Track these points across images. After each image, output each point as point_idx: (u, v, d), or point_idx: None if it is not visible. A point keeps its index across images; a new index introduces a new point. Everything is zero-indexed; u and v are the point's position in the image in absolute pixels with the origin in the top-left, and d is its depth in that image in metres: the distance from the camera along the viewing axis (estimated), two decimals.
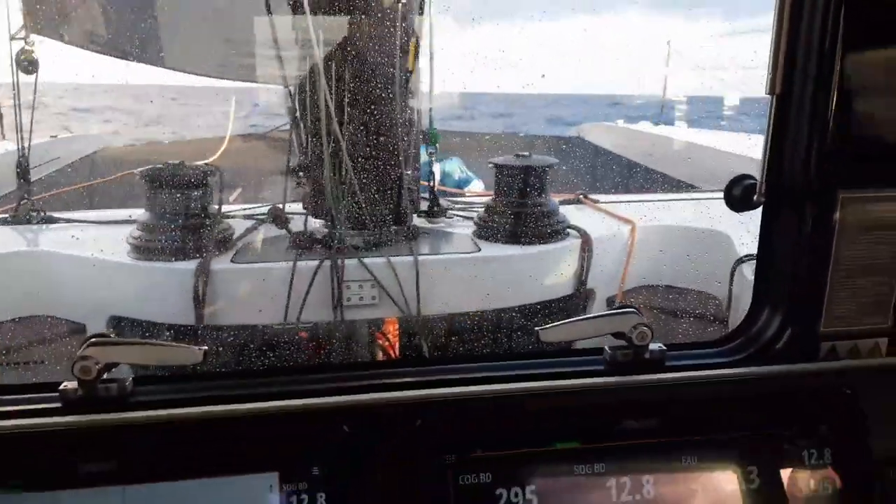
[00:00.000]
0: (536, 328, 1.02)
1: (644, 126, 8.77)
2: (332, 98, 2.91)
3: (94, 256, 3.00)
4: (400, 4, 3.01)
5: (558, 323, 1.04)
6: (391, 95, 3.02)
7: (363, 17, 3.00)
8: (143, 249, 2.86)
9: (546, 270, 3.09)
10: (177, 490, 0.83)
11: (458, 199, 4.05)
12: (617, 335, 1.05)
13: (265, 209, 3.43)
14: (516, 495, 0.89)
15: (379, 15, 3.03)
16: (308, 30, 3.02)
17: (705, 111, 8.97)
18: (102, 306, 2.98)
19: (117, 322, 3.00)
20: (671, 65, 8.86)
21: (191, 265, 2.78)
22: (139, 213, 3.05)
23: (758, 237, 1.11)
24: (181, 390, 0.97)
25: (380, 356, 3.02)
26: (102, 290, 2.97)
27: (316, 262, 2.80)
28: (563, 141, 9.47)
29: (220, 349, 2.62)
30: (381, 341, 3.01)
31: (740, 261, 2.83)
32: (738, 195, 1.08)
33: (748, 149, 6.12)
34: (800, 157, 1.03)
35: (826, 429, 0.95)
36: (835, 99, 0.99)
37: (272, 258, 2.91)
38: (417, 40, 3.15)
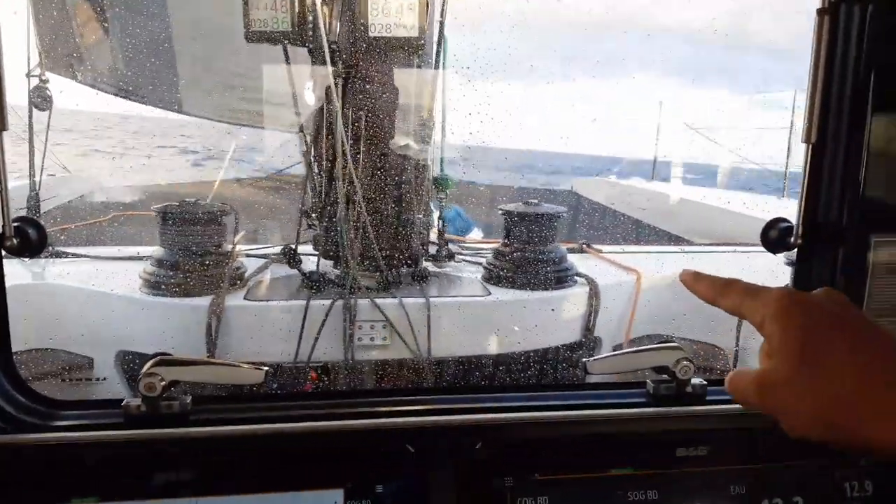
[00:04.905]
0: (583, 360, 1.05)
1: (636, 182, 8.96)
2: (348, 143, 2.98)
3: (102, 290, 3.02)
4: (417, 57, 3.13)
5: (604, 355, 1.08)
6: (406, 141, 3.10)
7: (381, 66, 3.10)
8: (157, 285, 2.88)
9: (555, 316, 3.13)
10: (247, 503, 0.84)
11: (463, 244, 4.10)
12: (659, 369, 1.09)
13: (272, 250, 3.48)
14: None
15: (396, 64, 3.14)
16: (326, 77, 3.11)
17: (698, 171, 9.18)
18: (111, 341, 2.98)
19: (125, 357, 2.99)
20: (663, 124, 9.11)
21: (204, 301, 2.80)
22: (151, 250, 3.08)
23: (792, 278, 1.16)
24: (241, 410, 0.99)
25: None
26: (111, 325, 2.98)
27: (328, 302, 2.83)
28: (556, 194, 9.63)
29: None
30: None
31: None
32: (774, 237, 1.14)
33: (739, 207, 6.28)
34: (834, 202, 1.09)
35: (867, 462, 0.98)
36: (867, 148, 1.06)
37: (285, 297, 2.93)
38: (433, 90, 3.25)
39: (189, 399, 0.98)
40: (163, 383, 0.95)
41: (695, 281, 0.73)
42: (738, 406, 1.12)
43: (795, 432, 0.60)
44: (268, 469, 0.87)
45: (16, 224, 0.97)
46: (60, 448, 0.89)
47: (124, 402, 0.96)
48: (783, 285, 0.63)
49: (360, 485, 0.86)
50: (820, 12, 1.05)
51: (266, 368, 0.97)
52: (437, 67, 3.34)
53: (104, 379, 2.98)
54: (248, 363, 0.99)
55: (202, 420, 0.96)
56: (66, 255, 3.60)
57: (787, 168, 7.17)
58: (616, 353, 1.08)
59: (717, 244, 4.72)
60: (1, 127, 0.93)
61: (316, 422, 0.92)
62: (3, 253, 0.98)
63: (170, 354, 0.99)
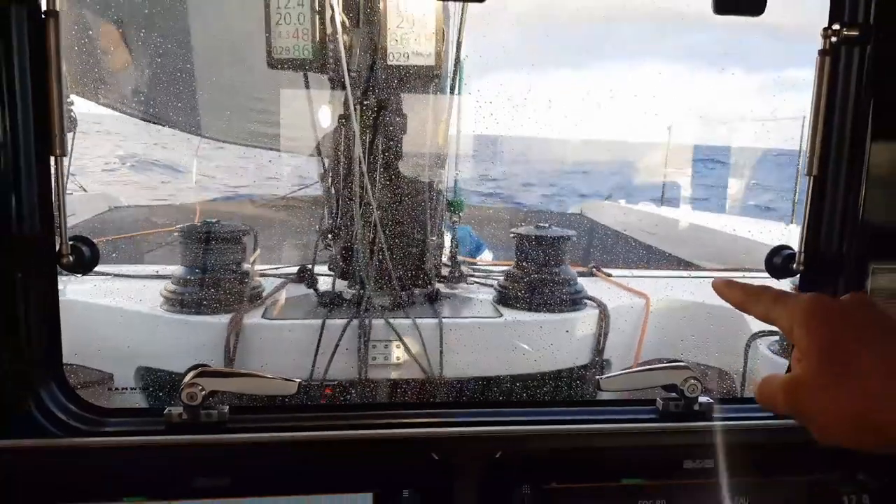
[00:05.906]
0: (596, 377, 1.11)
1: (645, 206, 9.02)
2: (366, 167, 3.07)
3: (123, 307, 3.10)
4: (434, 83, 3.23)
5: (616, 373, 1.14)
6: (421, 165, 3.20)
7: (398, 93, 3.20)
8: (179, 302, 2.96)
9: (565, 339, 3.18)
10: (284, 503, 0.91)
11: (475, 266, 4.17)
12: (668, 387, 1.15)
13: (287, 270, 3.56)
14: None
15: (412, 91, 3.24)
16: (344, 103, 3.21)
17: (707, 193, 9.25)
18: (130, 357, 3.05)
19: (144, 373, 3.06)
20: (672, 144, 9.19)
21: (223, 319, 2.87)
22: (172, 269, 3.16)
23: None
24: (274, 419, 1.06)
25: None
26: (131, 341, 3.05)
27: (344, 321, 2.90)
28: (566, 217, 9.72)
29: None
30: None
31: (754, 336, 2.94)
32: (778, 263, 1.20)
33: (748, 232, 6.32)
34: (835, 231, 1.15)
35: (864, 476, 1.04)
36: (866, 180, 1.12)
37: (301, 315, 3.01)
38: (448, 116, 3.35)
39: (227, 409, 1.05)
40: (203, 393, 1.02)
41: (726, 288, 0.72)
42: (743, 423, 1.18)
43: (826, 437, 0.58)
44: (302, 473, 0.93)
45: (71, 242, 1.04)
46: (110, 451, 0.96)
47: (166, 410, 1.03)
48: (812, 293, 0.66)
49: (388, 489, 0.92)
50: (821, 53, 1.13)
51: (298, 380, 1.04)
52: (452, 93, 3.44)
53: (138, 389, 3.05)
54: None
55: (239, 428, 1.02)
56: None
57: (795, 195, 7.21)
58: (627, 370, 1.15)
59: (726, 270, 4.77)
60: (61, 153, 1.01)
61: (346, 430, 0.98)
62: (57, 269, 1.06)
63: (208, 366, 1.07)
